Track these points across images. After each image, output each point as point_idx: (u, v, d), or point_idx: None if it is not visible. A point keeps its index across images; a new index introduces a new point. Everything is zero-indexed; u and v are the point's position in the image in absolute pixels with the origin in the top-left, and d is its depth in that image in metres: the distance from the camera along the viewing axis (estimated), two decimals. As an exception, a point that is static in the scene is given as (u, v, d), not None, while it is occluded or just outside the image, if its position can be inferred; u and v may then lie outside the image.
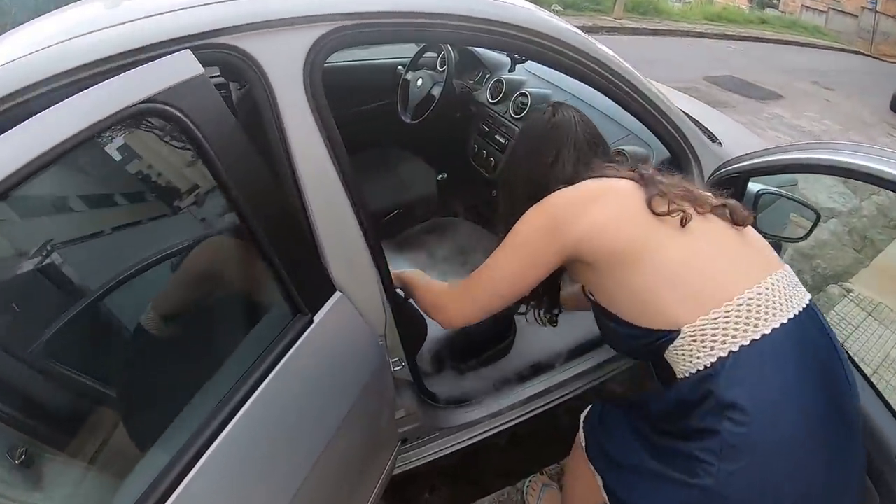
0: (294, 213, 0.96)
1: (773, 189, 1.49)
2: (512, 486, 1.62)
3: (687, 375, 0.90)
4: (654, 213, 0.90)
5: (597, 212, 0.93)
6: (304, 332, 0.91)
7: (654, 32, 8.53)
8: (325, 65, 0.98)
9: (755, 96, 6.11)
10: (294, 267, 0.91)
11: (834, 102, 6.45)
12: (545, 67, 2.12)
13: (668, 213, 0.90)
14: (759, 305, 0.86)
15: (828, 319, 0.98)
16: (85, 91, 0.69)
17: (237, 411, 0.80)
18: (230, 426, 0.78)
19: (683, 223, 0.90)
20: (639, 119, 1.50)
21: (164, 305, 0.92)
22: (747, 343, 0.85)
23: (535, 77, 2.17)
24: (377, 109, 2.40)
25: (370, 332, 1.07)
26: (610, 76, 1.37)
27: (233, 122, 0.82)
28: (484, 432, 1.50)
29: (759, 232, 1.45)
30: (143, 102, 0.71)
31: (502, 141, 2.08)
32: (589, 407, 1.24)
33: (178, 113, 0.75)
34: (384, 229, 2.03)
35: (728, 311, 0.85)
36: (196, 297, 0.98)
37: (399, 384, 1.27)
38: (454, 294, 1.07)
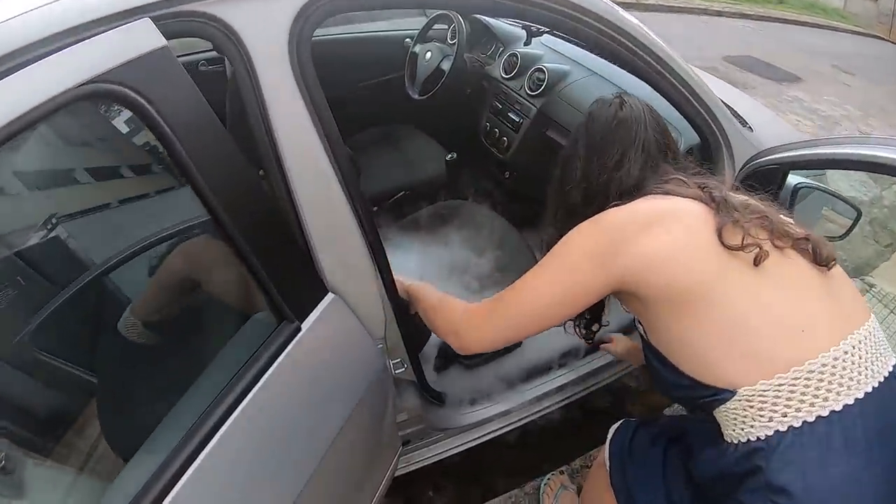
0: (279, 208, 0.84)
1: (814, 183, 1.37)
2: (519, 487, 1.54)
3: (735, 442, 0.77)
4: (724, 245, 0.75)
5: (654, 240, 0.77)
6: (291, 341, 0.80)
7: (670, 9, 8.24)
8: (327, 36, 0.86)
9: (775, 78, 5.89)
10: (278, 269, 0.79)
11: (854, 87, 6.23)
12: (563, 42, 2.04)
13: (742, 247, 0.74)
14: (834, 374, 0.71)
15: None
16: (13, 74, 0.55)
17: (217, 431, 0.70)
18: (210, 446, 0.69)
19: (757, 262, 0.74)
20: (667, 99, 1.37)
21: (142, 312, 0.82)
22: (812, 420, 0.71)
23: (552, 51, 2.03)
24: (383, 84, 2.27)
25: (368, 337, 0.96)
26: (637, 50, 1.23)
27: (203, 104, 0.70)
28: (491, 432, 1.41)
29: None
30: (89, 83, 0.59)
31: (516, 119, 1.95)
32: (620, 423, 1.12)
33: (133, 94, 0.62)
34: (389, 211, 1.93)
35: (796, 379, 0.71)
36: (166, 306, 0.88)
37: (400, 385, 1.17)
38: (475, 316, 0.91)
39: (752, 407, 0.73)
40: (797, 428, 0.71)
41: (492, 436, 1.41)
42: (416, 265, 1.67)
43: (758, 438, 0.74)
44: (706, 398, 0.77)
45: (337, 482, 0.91)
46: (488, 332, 0.89)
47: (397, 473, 1.25)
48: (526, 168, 2.01)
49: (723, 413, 0.78)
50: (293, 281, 0.83)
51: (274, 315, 0.82)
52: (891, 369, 0.75)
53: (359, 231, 0.93)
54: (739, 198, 0.83)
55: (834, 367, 0.71)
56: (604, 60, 1.87)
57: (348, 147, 1.47)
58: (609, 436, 1.11)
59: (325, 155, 0.86)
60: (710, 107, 1.36)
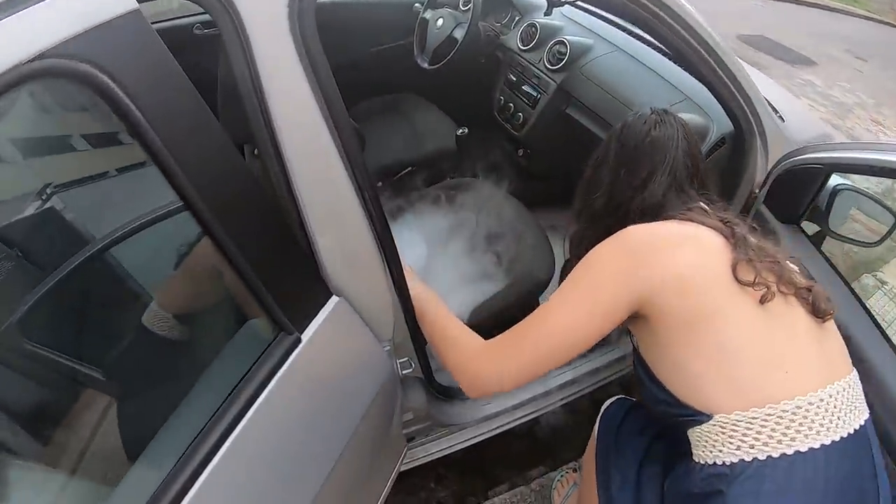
0: (277, 205, 0.74)
1: (855, 186, 1.28)
2: (525, 484, 1.49)
3: (702, 463, 0.80)
4: (736, 279, 0.77)
5: (675, 263, 0.78)
6: (289, 356, 0.71)
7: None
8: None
9: (787, 60, 5.74)
10: (274, 274, 0.69)
11: (867, 74, 6.08)
12: (586, 14, 1.92)
13: (752, 284, 0.77)
14: (807, 417, 0.74)
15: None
16: None
17: (210, 459, 0.62)
18: (204, 474, 0.61)
19: (763, 301, 0.77)
20: (703, 81, 1.28)
21: (172, 304, 0.74)
22: (776, 456, 0.73)
23: (573, 23, 1.90)
24: (390, 52, 2.13)
25: (376, 343, 0.88)
26: (673, 23, 1.13)
27: (183, 82, 0.59)
28: (498, 427, 1.35)
29: (831, 233, 1.27)
30: (37, 59, 0.47)
31: (533, 94, 1.84)
32: (614, 400, 1.13)
33: (94, 71, 0.51)
34: (394, 188, 1.83)
35: (769, 415, 0.74)
36: (198, 296, 0.79)
37: (406, 383, 1.10)
38: (491, 352, 0.85)
39: (723, 433, 0.76)
40: (761, 461, 0.74)
41: (498, 431, 1.36)
42: (421, 247, 1.59)
43: (723, 463, 0.76)
44: (683, 417, 0.80)
45: (340, 492, 0.84)
46: (509, 367, 0.82)
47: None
48: (542, 147, 1.91)
49: (696, 434, 0.80)
50: (291, 287, 0.74)
51: (270, 327, 0.72)
52: (862, 423, 0.78)
53: (367, 224, 0.82)
54: (754, 240, 0.84)
55: (808, 410, 0.74)
56: (630, 36, 1.76)
57: (351, 117, 1.37)
58: (601, 411, 1.11)
59: (331, 138, 0.75)
60: (748, 93, 1.26)
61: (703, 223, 0.83)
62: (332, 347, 0.79)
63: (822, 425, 0.74)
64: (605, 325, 0.80)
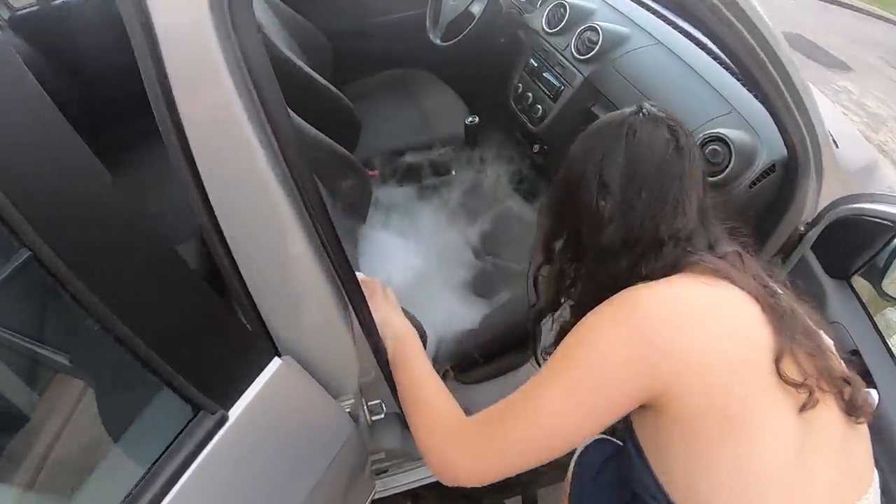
0: (186, 250, 0.60)
1: None
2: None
3: None
4: (780, 376, 0.60)
5: (704, 346, 0.61)
6: (212, 438, 0.54)
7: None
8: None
9: (824, 63, 5.47)
10: (182, 346, 0.52)
11: (901, 85, 5.83)
12: (626, -1, 1.69)
13: (798, 386, 0.61)
14: None
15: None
16: None
17: None
18: None
19: (803, 409, 0.61)
20: (758, 94, 1.08)
21: None
22: None
23: (609, 8, 1.67)
24: (398, 22, 1.93)
25: (332, 404, 0.71)
26: (732, 19, 0.92)
27: (31, 86, 0.42)
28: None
29: (886, 296, 1.08)
30: None
31: (556, 84, 1.63)
32: (593, 441, 0.98)
33: None
34: (389, 175, 1.66)
35: None
36: None
37: (377, 424, 0.95)
38: (467, 437, 0.67)
39: None
40: None
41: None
42: (412, 254, 1.44)
43: None
44: None
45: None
46: (486, 461, 0.65)
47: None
48: (560, 145, 1.69)
49: None
50: (212, 355, 0.56)
51: (188, 404, 0.55)
52: None
53: (316, 262, 0.63)
54: (801, 305, 0.69)
55: None
56: (673, 29, 1.54)
57: (354, 90, 1.18)
58: (577, 452, 0.99)
59: (262, 151, 0.55)
60: (809, 116, 1.05)
61: (735, 281, 0.65)
62: (272, 420, 0.62)
63: None
64: (605, 420, 0.64)
